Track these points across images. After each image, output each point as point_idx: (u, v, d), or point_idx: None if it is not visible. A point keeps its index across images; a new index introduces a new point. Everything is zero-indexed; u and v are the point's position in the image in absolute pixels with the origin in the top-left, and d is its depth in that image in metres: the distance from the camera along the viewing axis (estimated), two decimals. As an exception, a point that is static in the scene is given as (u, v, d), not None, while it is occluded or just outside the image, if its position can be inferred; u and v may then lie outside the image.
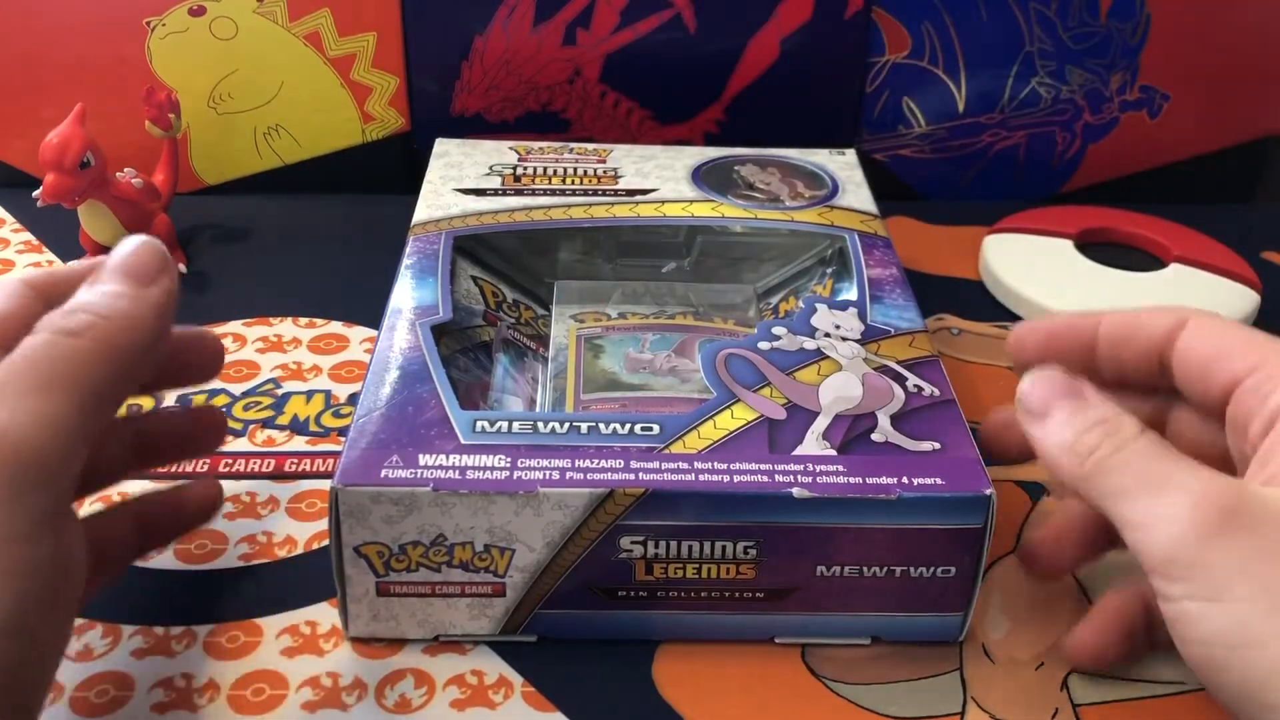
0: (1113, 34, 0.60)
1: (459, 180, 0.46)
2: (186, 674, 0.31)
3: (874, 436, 0.31)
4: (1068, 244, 0.54)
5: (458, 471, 0.30)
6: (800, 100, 0.60)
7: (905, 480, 0.30)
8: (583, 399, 0.37)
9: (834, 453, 0.31)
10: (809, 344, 0.35)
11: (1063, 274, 0.52)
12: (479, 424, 0.31)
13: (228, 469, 0.39)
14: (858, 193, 0.47)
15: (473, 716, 0.30)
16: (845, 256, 0.42)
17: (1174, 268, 0.53)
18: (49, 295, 0.27)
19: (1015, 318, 0.51)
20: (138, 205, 0.51)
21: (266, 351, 0.47)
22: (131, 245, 0.27)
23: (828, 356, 0.34)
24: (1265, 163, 0.64)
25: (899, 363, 0.34)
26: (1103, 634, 0.31)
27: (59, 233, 0.55)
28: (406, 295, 0.38)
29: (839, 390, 0.33)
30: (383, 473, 0.30)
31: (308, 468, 0.40)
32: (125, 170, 0.52)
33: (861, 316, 0.37)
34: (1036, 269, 0.53)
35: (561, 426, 0.31)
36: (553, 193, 0.45)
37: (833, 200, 0.46)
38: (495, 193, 0.45)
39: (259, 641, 0.33)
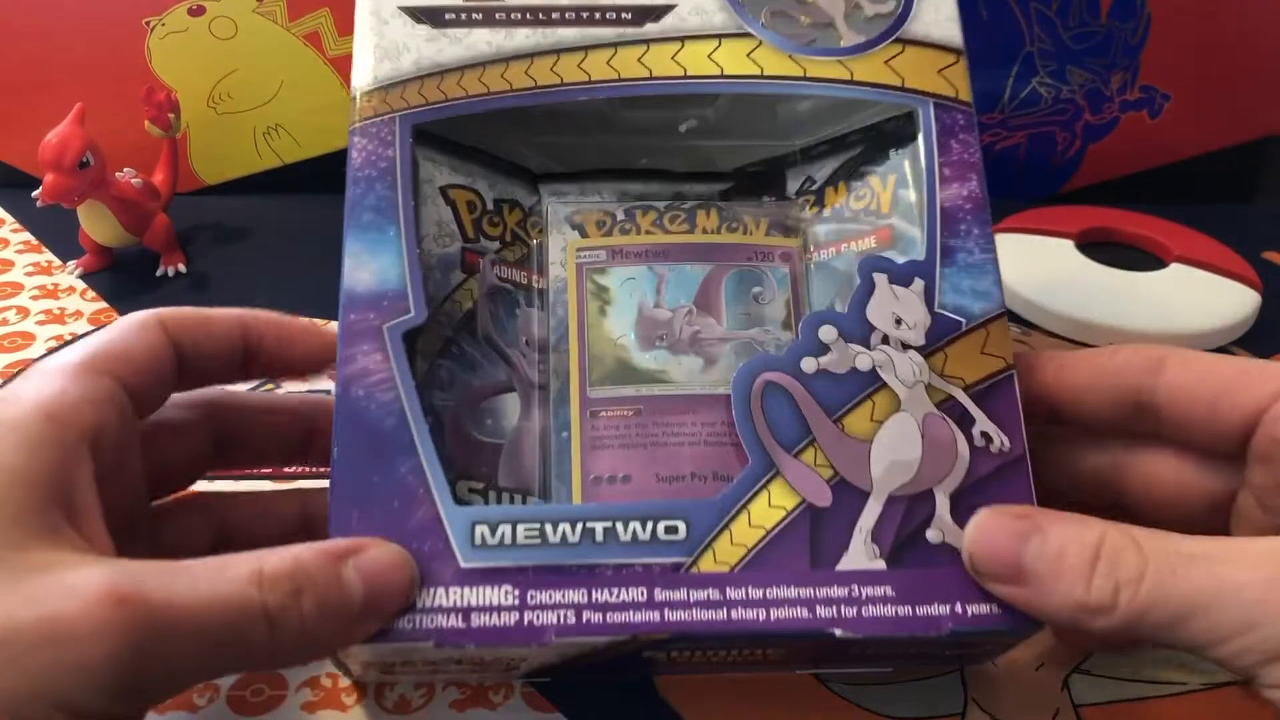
0: (1113, 34, 0.60)
1: None
2: (186, 674, 0.31)
3: (930, 535, 0.27)
4: (1068, 244, 0.54)
5: (460, 616, 0.25)
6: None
7: (958, 608, 0.26)
8: (590, 396, 0.32)
9: (883, 565, 0.27)
10: (862, 360, 0.29)
11: (1064, 274, 0.52)
12: (478, 531, 0.26)
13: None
14: (937, 2, 0.34)
15: (472, 717, 0.30)
16: (914, 128, 0.33)
17: (1174, 267, 0.53)
18: (179, 337, 0.27)
19: (1016, 318, 0.51)
20: (137, 205, 0.51)
21: (266, 351, 0.47)
22: (399, 571, 0.25)
23: (884, 385, 0.29)
24: (1265, 163, 0.64)
25: (967, 390, 0.29)
26: None
27: (58, 233, 0.55)
28: (365, 268, 0.29)
29: (894, 453, 0.28)
30: None
31: (307, 469, 0.40)
32: (125, 170, 0.52)
33: (928, 295, 0.30)
34: (1037, 269, 0.53)
35: (573, 532, 0.27)
36: (535, 17, 0.33)
37: (903, 27, 0.33)
38: (457, 17, 0.33)
39: (259, 642, 0.33)
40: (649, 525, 0.27)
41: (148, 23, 0.57)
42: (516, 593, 0.26)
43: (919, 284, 0.30)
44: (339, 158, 0.31)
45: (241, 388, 0.32)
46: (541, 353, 0.33)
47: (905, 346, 0.29)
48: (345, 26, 0.57)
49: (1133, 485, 0.30)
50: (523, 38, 0.32)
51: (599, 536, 0.27)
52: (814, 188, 0.35)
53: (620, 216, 0.34)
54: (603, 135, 0.35)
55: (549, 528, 0.27)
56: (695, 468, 0.30)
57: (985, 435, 0.28)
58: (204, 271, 0.53)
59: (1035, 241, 0.55)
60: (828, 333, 0.29)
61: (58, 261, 0.54)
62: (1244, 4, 0.59)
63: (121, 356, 0.26)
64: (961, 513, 0.27)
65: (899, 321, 0.30)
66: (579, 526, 0.27)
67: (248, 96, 0.59)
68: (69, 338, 0.48)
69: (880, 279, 0.30)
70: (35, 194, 0.48)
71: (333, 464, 0.27)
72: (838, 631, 0.26)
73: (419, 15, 0.33)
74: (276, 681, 0.31)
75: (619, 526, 0.27)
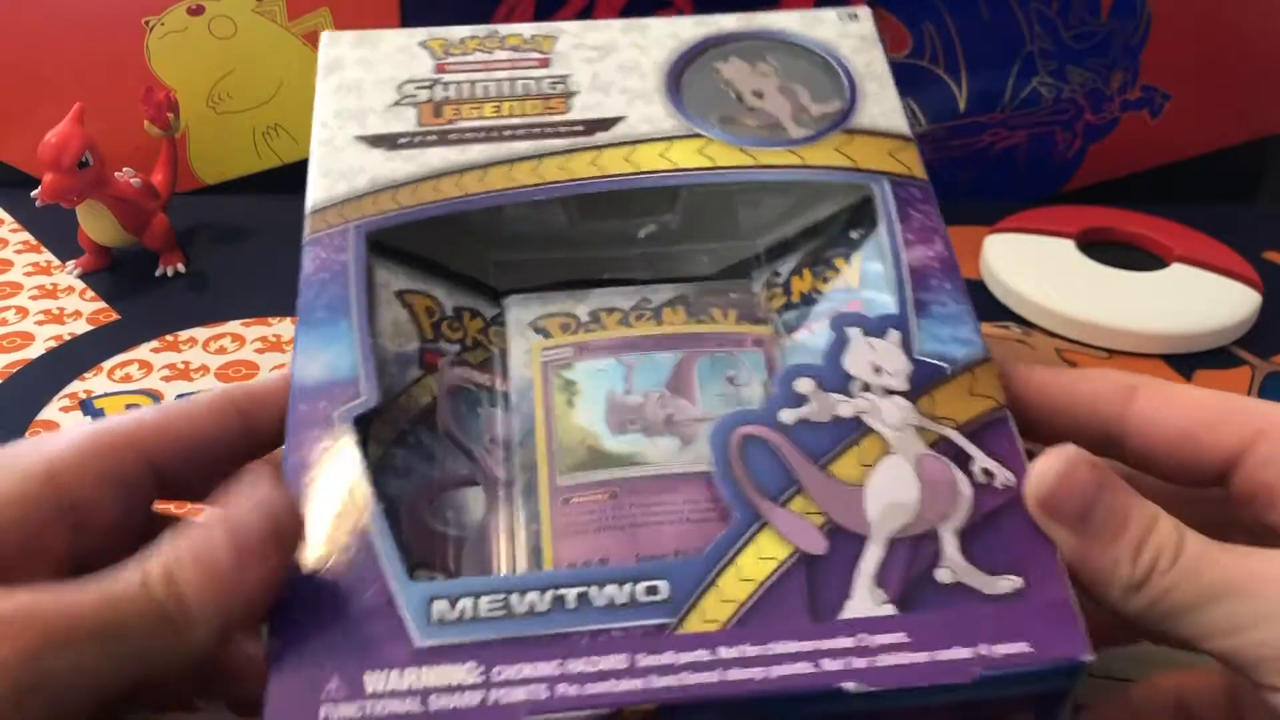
0: (1113, 34, 0.60)
1: (360, 117, 0.33)
2: (185, 675, 0.31)
3: (939, 576, 0.25)
4: (1069, 244, 0.54)
5: (417, 699, 0.23)
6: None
7: (983, 650, 0.24)
8: (559, 484, 0.29)
9: (892, 609, 0.24)
10: (844, 408, 0.27)
11: (1064, 274, 0.52)
12: (436, 607, 0.24)
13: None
14: (881, 97, 0.35)
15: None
16: (872, 209, 0.33)
17: (1175, 267, 0.53)
18: (249, 413, 0.27)
19: (1016, 318, 0.51)
20: (136, 205, 0.51)
21: (265, 351, 0.47)
22: (250, 497, 0.23)
23: (870, 429, 0.27)
24: (1265, 163, 0.64)
25: (960, 429, 0.27)
26: None
27: (57, 232, 0.55)
28: (316, 359, 0.28)
29: (891, 495, 0.26)
30: (322, 714, 0.22)
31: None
32: (124, 170, 0.52)
33: (906, 344, 0.29)
34: (1037, 269, 0.52)
35: (542, 600, 0.24)
36: (488, 135, 0.33)
37: (850, 119, 0.34)
38: (411, 140, 0.33)
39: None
40: (627, 587, 0.24)
41: (147, 22, 0.57)
42: (480, 669, 0.23)
43: (895, 334, 0.29)
44: (338, 157, 0.32)
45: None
46: (506, 450, 0.30)
47: (888, 393, 0.28)
48: (345, 26, 0.57)
49: None
50: (477, 152, 0.33)
51: (571, 603, 0.24)
52: (780, 280, 0.35)
53: (585, 319, 0.33)
54: (563, 251, 0.35)
55: (515, 597, 0.24)
56: (680, 545, 0.28)
57: (986, 472, 0.27)
58: (203, 271, 0.53)
59: (1035, 241, 0.55)
60: (805, 384, 0.28)
61: (57, 261, 0.54)
62: (1244, 4, 0.59)
63: (169, 437, 0.26)
64: (973, 551, 0.25)
65: (878, 370, 0.28)
66: (548, 594, 0.24)
67: (247, 96, 0.59)
68: (68, 338, 0.48)
69: (854, 332, 0.29)
70: (34, 193, 0.48)
71: None
72: (848, 685, 0.23)
73: (374, 142, 0.33)
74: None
75: (593, 591, 0.24)
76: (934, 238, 0.31)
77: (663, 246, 0.35)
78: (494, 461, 0.30)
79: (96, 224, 0.51)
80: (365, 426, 0.27)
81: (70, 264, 0.53)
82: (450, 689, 0.23)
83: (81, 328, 0.49)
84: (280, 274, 0.53)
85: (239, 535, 0.23)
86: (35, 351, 0.47)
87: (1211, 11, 0.59)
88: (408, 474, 0.29)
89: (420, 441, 0.29)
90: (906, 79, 0.60)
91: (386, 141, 0.33)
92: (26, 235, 0.56)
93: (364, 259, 0.30)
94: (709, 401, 0.31)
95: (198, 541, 0.23)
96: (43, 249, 0.55)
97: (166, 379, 0.45)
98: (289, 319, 0.49)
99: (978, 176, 0.63)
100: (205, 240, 0.56)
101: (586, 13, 0.57)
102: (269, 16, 0.57)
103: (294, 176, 0.66)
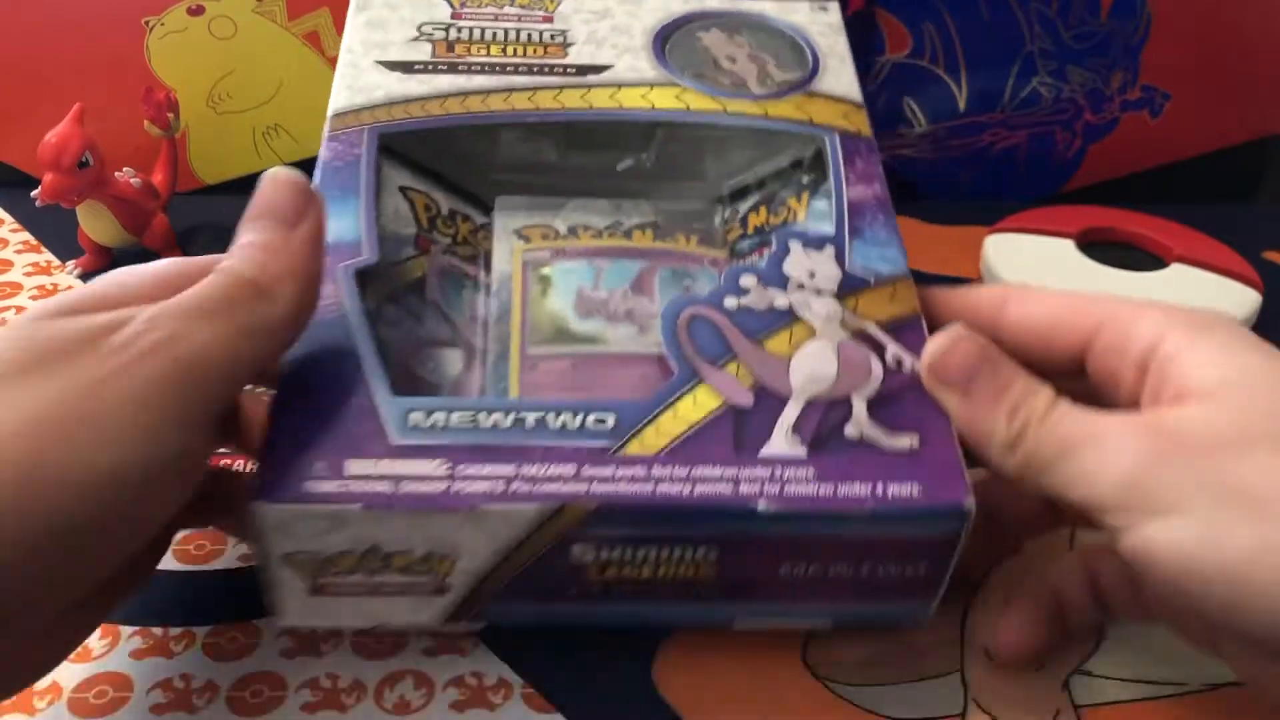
0: (1113, 34, 0.60)
1: (382, 48, 0.40)
2: (185, 675, 0.31)
3: (848, 431, 0.29)
4: (1069, 244, 0.54)
5: (390, 483, 0.27)
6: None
7: (879, 490, 0.28)
8: (529, 353, 0.34)
9: (804, 453, 0.29)
10: (780, 300, 0.32)
11: (1064, 274, 0.52)
12: (412, 416, 0.28)
13: (228, 468, 0.39)
14: (840, 71, 0.41)
15: (472, 718, 0.30)
16: (823, 160, 0.38)
17: (1175, 267, 0.53)
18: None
19: (1016, 318, 0.51)
20: (136, 205, 0.51)
21: (266, 351, 0.47)
22: (268, 185, 0.29)
23: (801, 319, 0.32)
24: (1265, 163, 0.64)
25: (879, 325, 0.32)
26: (1023, 629, 0.32)
27: (58, 233, 0.55)
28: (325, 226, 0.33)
29: (812, 368, 0.31)
30: (305, 486, 0.27)
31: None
32: (124, 170, 0.52)
33: (839, 258, 0.34)
34: (1038, 269, 0.53)
35: (505, 419, 0.29)
36: (492, 69, 0.39)
37: (810, 85, 0.40)
38: (425, 67, 0.39)
39: (257, 643, 0.32)
40: (579, 416, 0.29)
41: (147, 23, 0.57)
42: (447, 465, 0.27)
43: (830, 249, 0.34)
44: (338, 157, 0.33)
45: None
46: (484, 327, 0.35)
47: (819, 293, 0.33)
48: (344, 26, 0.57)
49: None
50: (481, 81, 0.39)
51: (530, 423, 0.29)
52: (738, 216, 0.40)
53: (563, 231, 0.39)
54: (549, 178, 0.40)
55: (482, 415, 0.29)
56: None
57: (898, 359, 0.31)
58: (203, 271, 0.53)
59: (1036, 241, 0.55)
60: (748, 279, 0.33)
61: (57, 261, 0.54)
62: (1244, 4, 0.59)
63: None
64: (878, 415, 0.30)
65: (813, 274, 0.33)
66: (511, 414, 0.29)
67: (247, 96, 0.59)
68: (68, 338, 0.48)
69: (795, 243, 0.34)
70: (34, 193, 0.48)
71: (279, 367, 0.29)
72: (761, 504, 0.27)
73: (392, 66, 0.39)
74: (275, 682, 0.31)
75: (549, 416, 0.29)
76: (874, 181, 0.37)
77: (637, 182, 0.41)
78: (473, 334, 0.35)
79: (96, 224, 0.51)
80: (364, 281, 0.32)
81: (70, 264, 0.53)
82: (419, 478, 0.27)
83: (82, 328, 0.48)
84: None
85: (276, 212, 0.29)
86: (35, 351, 0.47)
87: (1211, 11, 0.59)
88: (397, 326, 0.33)
89: (410, 304, 0.34)
90: (906, 79, 0.60)
91: (403, 67, 0.39)
92: (26, 235, 0.56)
93: (374, 156, 0.36)
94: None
95: (251, 235, 0.28)
96: (43, 249, 0.55)
97: (166, 379, 0.45)
98: (289, 319, 0.49)
99: (978, 176, 0.63)
100: (205, 240, 0.56)
101: None
102: (269, 16, 0.57)
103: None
